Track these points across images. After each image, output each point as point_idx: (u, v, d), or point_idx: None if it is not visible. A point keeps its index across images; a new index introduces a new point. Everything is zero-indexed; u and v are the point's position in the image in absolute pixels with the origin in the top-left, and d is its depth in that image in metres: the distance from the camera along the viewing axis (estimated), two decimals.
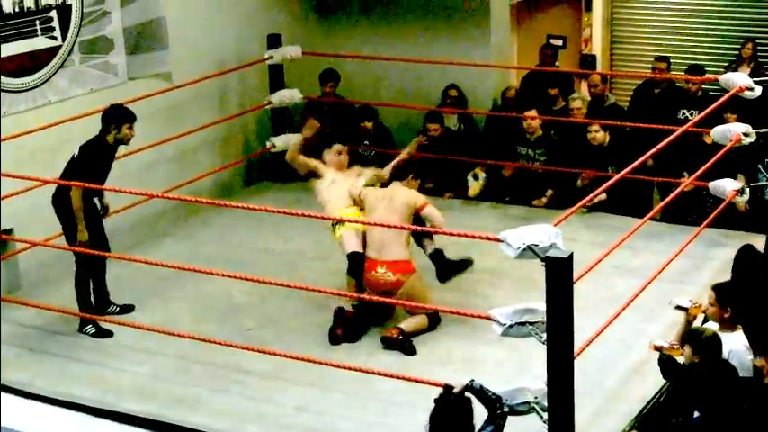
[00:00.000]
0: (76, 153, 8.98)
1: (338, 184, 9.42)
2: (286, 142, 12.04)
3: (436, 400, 6.36)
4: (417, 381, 7.36)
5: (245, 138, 12.63)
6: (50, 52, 10.09)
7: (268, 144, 12.14)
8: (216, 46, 11.97)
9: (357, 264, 8.89)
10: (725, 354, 7.06)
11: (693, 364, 6.86)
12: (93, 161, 8.92)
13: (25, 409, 6.85)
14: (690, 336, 7.10)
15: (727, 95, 10.04)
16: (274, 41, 12.11)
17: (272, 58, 12.07)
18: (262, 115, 12.54)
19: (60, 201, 8.98)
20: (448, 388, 6.41)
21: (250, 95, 12.42)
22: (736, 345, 7.19)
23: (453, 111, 12.15)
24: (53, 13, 10.07)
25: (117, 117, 9.03)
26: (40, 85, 10.00)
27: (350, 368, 7.69)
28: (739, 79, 10.12)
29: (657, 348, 7.22)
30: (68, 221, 8.92)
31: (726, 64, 12.60)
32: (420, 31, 12.74)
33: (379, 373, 7.56)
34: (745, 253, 8.19)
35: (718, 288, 7.47)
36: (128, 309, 9.40)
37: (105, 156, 9.03)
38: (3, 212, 9.17)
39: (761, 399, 6.67)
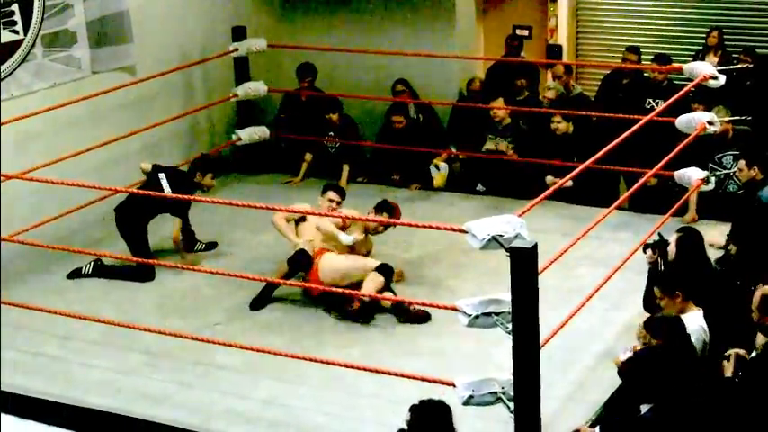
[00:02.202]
0: (169, 188, 9.74)
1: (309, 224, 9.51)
2: (251, 135, 12.06)
3: (413, 408, 6.34)
4: (385, 373, 7.36)
5: (211, 130, 12.58)
6: (12, 46, 10.02)
7: (234, 137, 12.11)
8: (180, 39, 11.92)
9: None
10: None
11: (653, 347, 6.89)
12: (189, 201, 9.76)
13: None
14: (648, 322, 7.13)
15: (690, 85, 10.07)
16: (239, 34, 12.07)
17: (236, 50, 12.02)
18: (227, 108, 12.49)
19: (125, 219, 9.78)
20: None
21: (215, 88, 12.37)
22: (692, 324, 7.24)
23: (417, 101, 12.14)
24: (15, 7, 9.99)
25: (202, 166, 10.00)
26: (2, 79, 9.92)
27: (317, 361, 7.66)
28: (703, 68, 10.14)
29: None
30: (131, 237, 9.76)
31: (693, 53, 12.62)
32: (385, 23, 12.72)
33: (347, 366, 7.54)
34: (688, 235, 8.21)
35: (659, 283, 7.47)
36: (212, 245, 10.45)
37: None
38: None
39: (721, 393, 6.68)
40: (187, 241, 10.20)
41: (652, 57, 12.12)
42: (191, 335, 8.13)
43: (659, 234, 8.26)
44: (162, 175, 9.81)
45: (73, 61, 10.64)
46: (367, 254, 9.43)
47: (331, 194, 9.51)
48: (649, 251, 8.10)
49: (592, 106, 11.77)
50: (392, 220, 8.65)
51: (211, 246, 10.42)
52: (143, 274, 9.74)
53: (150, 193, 9.30)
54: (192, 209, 10.83)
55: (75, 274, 9.84)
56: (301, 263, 9.13)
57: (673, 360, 6.65)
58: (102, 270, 9.84)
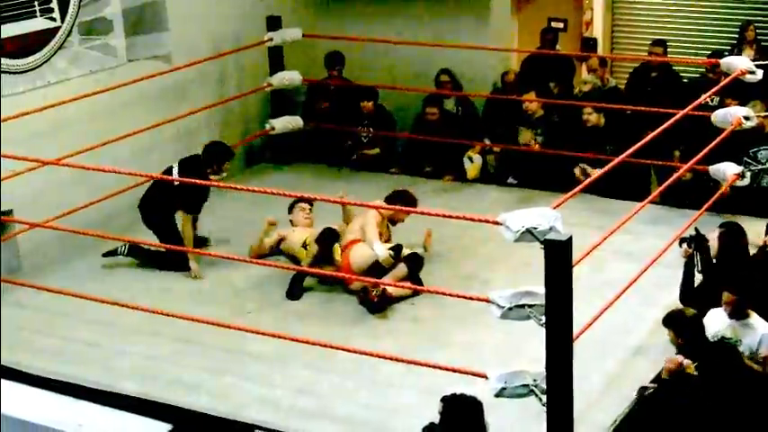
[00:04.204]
0: (177, 178, 9.44)
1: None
2: (285, 124, 12.08)
3: (444, 400, 6.38)
4: (417, 363, 7.37)
5: (245, 120, 12.60)
6: (49, 33, 10.07)
7: (267, 126, 12.14)
8: (215, 28, 11.94)
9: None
10: (758, 338, 7.20)
11: (678, 346, 6.95)
12: (200, 194, 9.66)
13: (23, 396, 6.73)
14: (670, 319, 7.15)
15: (727, 79, 10.00)
16: (274, 23, 12.08)
17: (271, 40, 12.03)
18: (261, 97, 12.51)
19: (151, 217, 9.78)
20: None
21: (249, 78, 12.39)
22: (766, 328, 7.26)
23: (452, 93, 12.12)
24: None
25: (216, 157, 9.71)
26: (39, 66, 9.98)
27: (349, 350, 7.69)
28: (740, 63, 10.07)
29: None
30: (159, 230, 9.76)
31: (728, 47, 12.54)
32: (420, 14, 12.70)
33: (379, 356, 7.56)
34: (730, 230, 8.16)
35: (733, 289, 7.41)
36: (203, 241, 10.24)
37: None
38: (2, 194, 9.18)
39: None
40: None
41: (687, 50, 12.06)
42: (223, 323, 8.17)
43: (695, 228, 8.23)
44: (174, 166, 9.74)
45: (109, 49, 10.68)
46: (387, 242, 9.49)
47: (302, 204, 9.75)
48: (684, 245, 8.10)
49: (626, 100, 11.72)
50: (426, 211, 8.65)
51: (202, 241, 10.28)
52: (177, 263, 9.78)
53: (163, 177, 9.39)
54: (221, 198, 10.89)
55: (111, 254, 9.87)
56: (329, 239, 9.18)
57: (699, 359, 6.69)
58: (137, 252, 9.88)
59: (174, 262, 9.79)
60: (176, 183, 9.49)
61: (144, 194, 9.87)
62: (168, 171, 9.72)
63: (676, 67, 12.25)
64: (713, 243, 8.06)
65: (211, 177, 9.59)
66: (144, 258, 9.90)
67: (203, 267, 9.71)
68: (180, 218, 9.75)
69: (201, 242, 10.19)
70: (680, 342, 7.17)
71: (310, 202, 9.72)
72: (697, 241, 8.06)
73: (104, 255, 9.86)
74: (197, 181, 9.11)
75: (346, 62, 12.36)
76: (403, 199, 9.50)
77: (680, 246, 8.15)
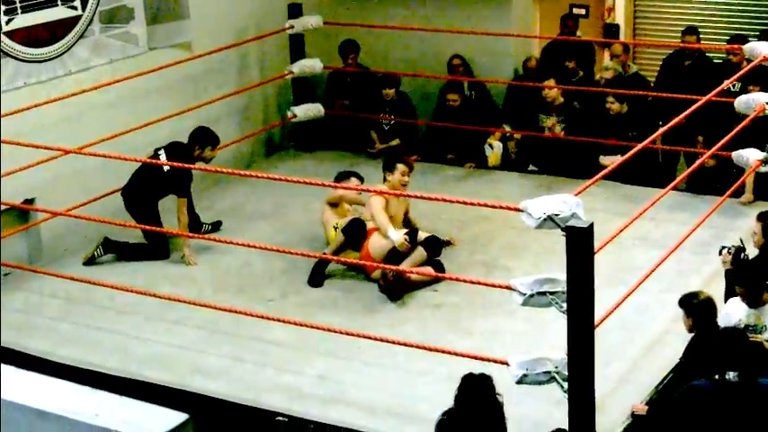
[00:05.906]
0: (165, 166, 9.37)
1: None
2: (306, 112, 12.07)
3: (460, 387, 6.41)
4: (438, 351, 7.37)
5: (266, 108, 12.60)
6: (71, 22, 10.08)
7: (289, 114, 12.13)
8: (236, 16, 11.94)
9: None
10: None
11: (689, 327, 7.07)
12: (189, 176, 9.67)
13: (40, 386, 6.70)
14: (683, 299, 7.14)
15: (751, 65, 9.93)
16: (295, 11, 12.05)
17: (292, 27, 12.01)
18: (283, 85, 12.50)
19: (135, 203, 9.68)
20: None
21: (271, 65, 12.38)
22: None
23: (472, 80, 12.08)
24: None
25: (201, 138, 9.73)
26: (60, 55, 9.99)
27: (371, 338, 7.68)
28: (763, 48, 10.00)
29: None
30: (143, 218, 9.59)
31: (756, 33, 12.42)
32: (441, 0, 12.65)
33: (400, 343, 7.55)
34: None
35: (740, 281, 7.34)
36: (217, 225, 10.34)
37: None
38: (24, 183, 9.23)
39: None
40: (192, 224, 9.98)
41: (711, 37, 11.95)
42: (244, 310, 8.18)
43: (740, 239, 8.04)
44: (161, 152, 9.66)
45: (130, 38, 10.69)
46: (405, 214, 9.53)
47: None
48: (725, 252, 7.86)
49: (647, 86, 11.65)
50: (447, 198, 8.62)
51: (217, 225, 10.34)
52: (159, 251, 9.78)
53: (148, 161, 9.30)
54: (242, 185, 10.90)
55: (91, 261, 9.72)
56: (356, 231, 9.17)
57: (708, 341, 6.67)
58: (112, 246, 9.77)
59: (156, 249, 9.77)
60: (166, 168, 9.46)
61: (128, 180, 9.77)
62: (155, 156, 9.61)
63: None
64: (756, 238, 7.92)
65: (200, 163, 9.66)
66: (122, 252, 9.78)
67: (223, 253, 9.71)
68: (179, 208, 9.70)
69: (216, 226, 10.28)
70: (690, 322, 7.14)
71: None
72: (737, 252, 7.84)
73: (85, 263, 9.68)
74: (216, 168, 9.12)
75: (366, 49, 12.33)
76: (395, 160, 9.44)
77: (720, 254, 7.97)
